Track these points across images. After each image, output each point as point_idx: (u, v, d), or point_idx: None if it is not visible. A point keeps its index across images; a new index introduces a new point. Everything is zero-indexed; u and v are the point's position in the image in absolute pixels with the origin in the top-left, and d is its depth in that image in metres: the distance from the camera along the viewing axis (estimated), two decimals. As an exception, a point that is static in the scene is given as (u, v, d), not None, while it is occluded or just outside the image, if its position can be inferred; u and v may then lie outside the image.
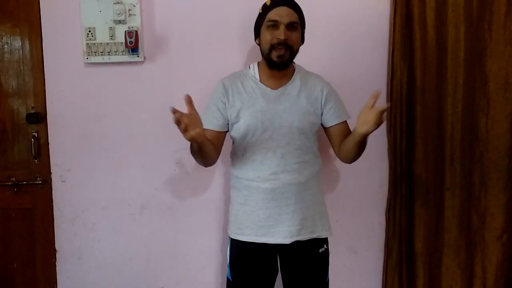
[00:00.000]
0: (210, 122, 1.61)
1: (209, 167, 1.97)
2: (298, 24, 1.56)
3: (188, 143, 1.92)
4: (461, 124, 1.88)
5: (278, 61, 1.54)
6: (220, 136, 1.64)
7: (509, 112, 1.87)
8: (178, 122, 1.33)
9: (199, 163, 1.66)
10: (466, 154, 1.90)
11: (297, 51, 1.59)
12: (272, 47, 1.53)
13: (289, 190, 1.55)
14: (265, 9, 1.57)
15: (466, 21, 1.83)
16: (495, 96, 1.86)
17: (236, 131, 1.60)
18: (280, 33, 1.51)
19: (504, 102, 1.86)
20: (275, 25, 1.53)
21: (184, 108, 1.92)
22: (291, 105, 1.58)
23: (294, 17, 1.54)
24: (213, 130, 1.62)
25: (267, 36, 1.55)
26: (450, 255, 1.94)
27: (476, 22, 1.84)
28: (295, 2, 1.58)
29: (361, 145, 1.53)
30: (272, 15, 1.54)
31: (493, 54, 1.84)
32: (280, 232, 1.56)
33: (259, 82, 1.61)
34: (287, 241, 1.56)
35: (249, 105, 1.57)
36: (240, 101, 1.59)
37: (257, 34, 1.62)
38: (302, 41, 1.63)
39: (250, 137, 1.57)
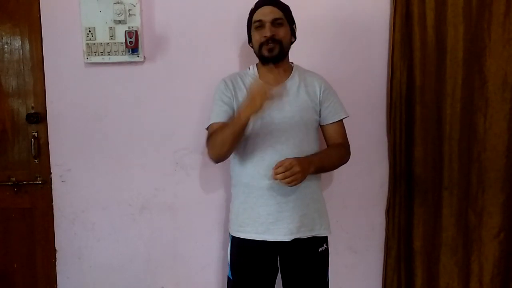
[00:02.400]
0: (219, 116, 1.62)
1: (208, 167, 1.97)
2: (283, 20, 1.61)
3: (188, 143, 1.94)
4: (459, 124, 1.89)
5: (269, 55, 1.59)
6: None
7: (507, 112, 1.88)
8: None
9: (218, 153, 1.56)
10: (464, 154, 1.91)
11: (288, 46, 1.63)
12: (261, 44, 1.59)
13: (288, 187, 1.54)
14: (251, 12, 1.66)
15: (465, 21, 1.85)
16: (494, 96, 1.87)
17: None
18: (266, 31, 1.58)
19: (502, 102, 1.87)
20: (261, 25, 1.60)
21: (182, 108, 1.94)
22: (291, 100, 1.60)
23: (278, 14, 1.60)
24: (225, 122, 1.61)
25: (256, 36, 1.62)
26: (447, 253, 1.96)
27: (475, 22, 1.85)
28: (277, 0, 1.63)
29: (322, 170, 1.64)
30: (257, 16, 1.61)
31: (492, 54, 1.86)
32: (280, 230, 1.56)
33: (259, 79, 1.63)
34: (287, 238, 1.56)
35: None
36: (241, 96, 1.61)
37: (250, 38, 1.68)
38: (294, 37, 1.68)
39: (250, 133, 1.58)
